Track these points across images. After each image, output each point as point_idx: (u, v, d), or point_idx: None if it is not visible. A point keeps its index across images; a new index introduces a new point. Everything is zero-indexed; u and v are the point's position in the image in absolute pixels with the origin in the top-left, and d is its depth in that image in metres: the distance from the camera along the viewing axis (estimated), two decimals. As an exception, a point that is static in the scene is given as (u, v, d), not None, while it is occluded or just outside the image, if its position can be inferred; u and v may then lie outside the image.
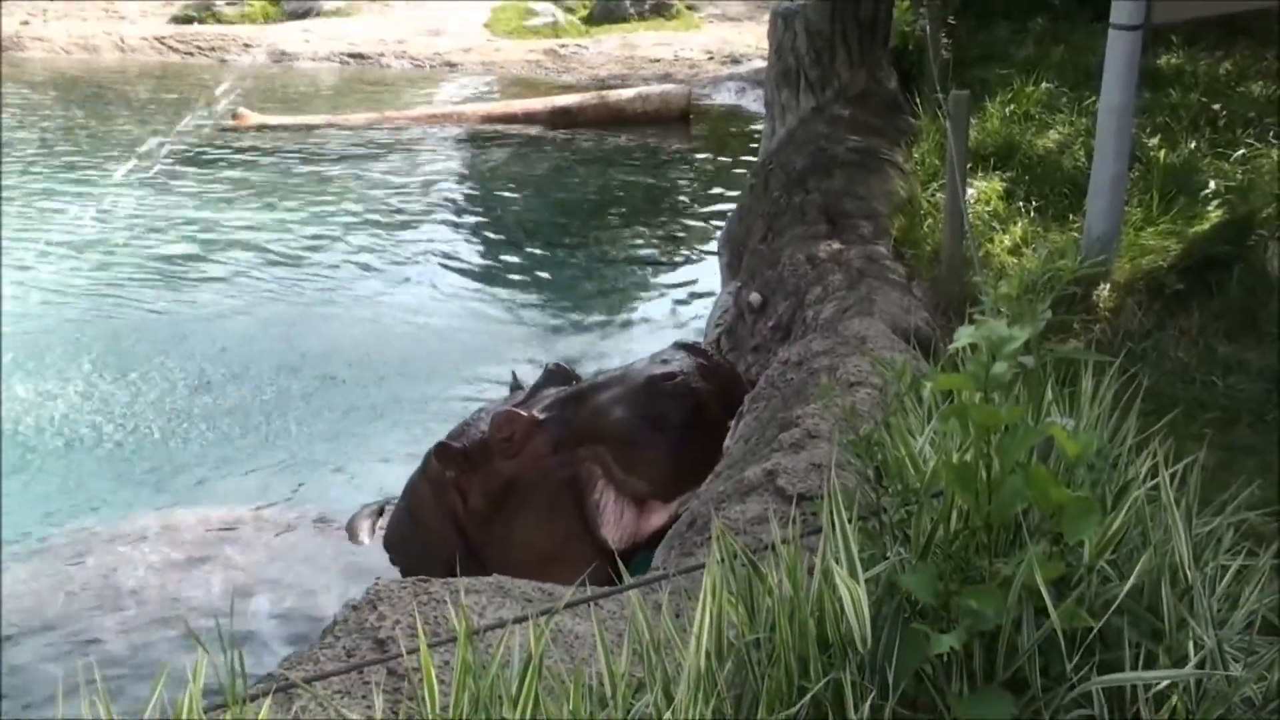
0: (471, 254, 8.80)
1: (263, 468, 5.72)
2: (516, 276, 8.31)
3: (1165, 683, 1.63)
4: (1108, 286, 4.94)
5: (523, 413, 4.32)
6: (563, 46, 15.11)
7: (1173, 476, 1.86)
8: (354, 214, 9.47)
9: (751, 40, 14.51)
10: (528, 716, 1.67)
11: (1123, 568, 1.76)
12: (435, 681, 1.71)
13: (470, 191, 10.34)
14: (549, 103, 12.11)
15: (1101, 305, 4.86)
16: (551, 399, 4.44)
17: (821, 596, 1.70)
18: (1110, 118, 5.02)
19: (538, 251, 8.76)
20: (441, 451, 4.35)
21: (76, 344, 6.94)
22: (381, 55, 15.09)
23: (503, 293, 8.01)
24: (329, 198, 9.86)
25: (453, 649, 1.80)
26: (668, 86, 12.49)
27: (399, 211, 9.57)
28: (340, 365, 6.80)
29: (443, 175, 10.67)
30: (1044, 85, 7.22)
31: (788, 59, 7.63)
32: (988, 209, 5.90)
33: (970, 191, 5.71)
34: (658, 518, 4.19)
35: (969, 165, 5.45)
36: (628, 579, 2.18)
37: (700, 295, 7.78)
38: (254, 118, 11.78)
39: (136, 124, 12.06)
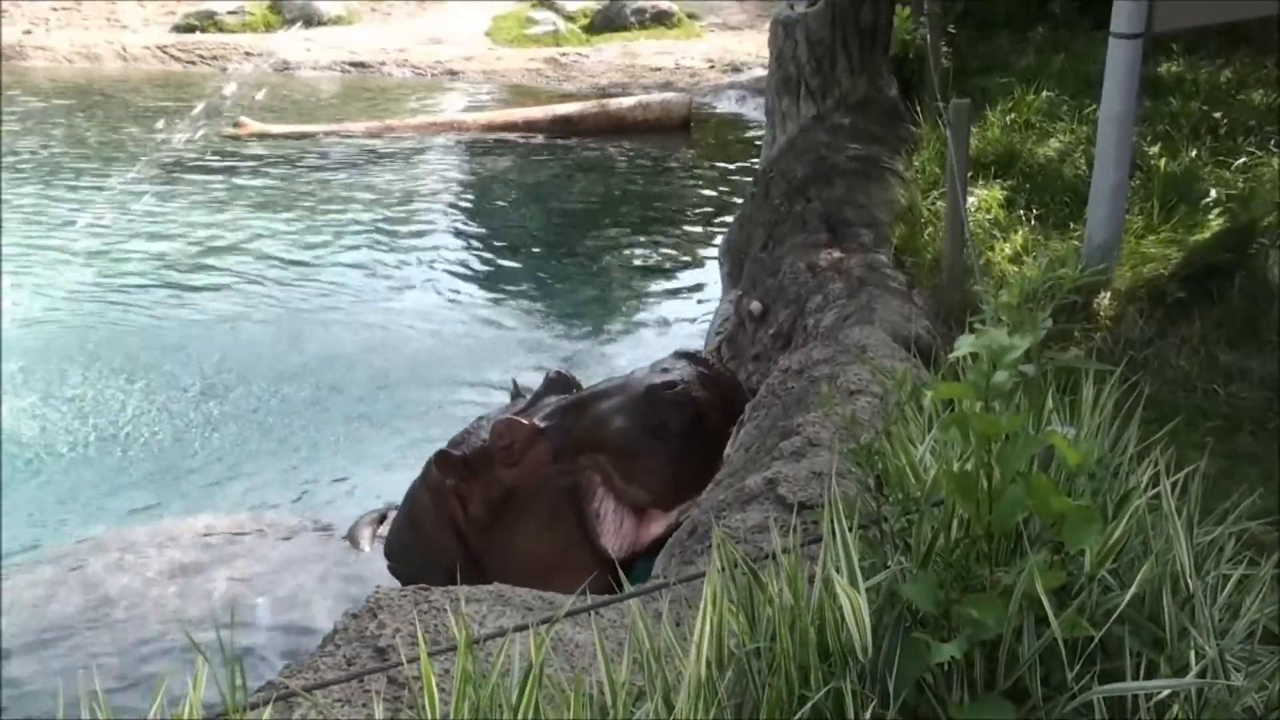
0: (472, 262, 8.80)
1: (263, 475, 5.72)
2: (517, 284, 8.32)
3: (1166, 692, 1.62)
4: (1109, 295, 4.94)
5: (523, 421, 4.32)
6: (564, 55, 15.14)
7: (1174, 485, 1.86)
8: (355, 222, 9.49)
9: (752, 48, 14.53)
10: (528, 725, 1.67)
11: (1124, 577, 1.75)
12: (435, 690, 1.70)
13: (471, 200, 10.36)
14: (550, 111, 12.13)
15: (1102, 313, 4.86)
16: (552, 407, 4.44)
17: (822, 605, 1.69)
18: (1111, 126, 5.02)
19: (539, 259, 8.77)
20: (442, 459, 4.35)
21: (78, 351, 6.95)
22: (383, 64, 15.12)
23: (504, 300, 8.01)
24: (330, 206, 9.87)
25: (453, 657, 1.80)
26: (669, 95, 12.51)
27: (400, 220, 9.58)
28: (341, 373, 6.80)
29: (444, 184, 10.69)
30: (1045, 93, 7.22)
31: (788, 67, 7.65)
32: (988, 217, 5.91)
33: (971, 200, 5.71)
34: (657, 526, 4.19)
35: (970, 173, 5.45)
36: (628, 587, 2.17)
37: (701, 303, 7.78)
38: (255, 126, 11.80)
39: (138, 133, 12.08)
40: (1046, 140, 6.77)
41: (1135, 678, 1.64)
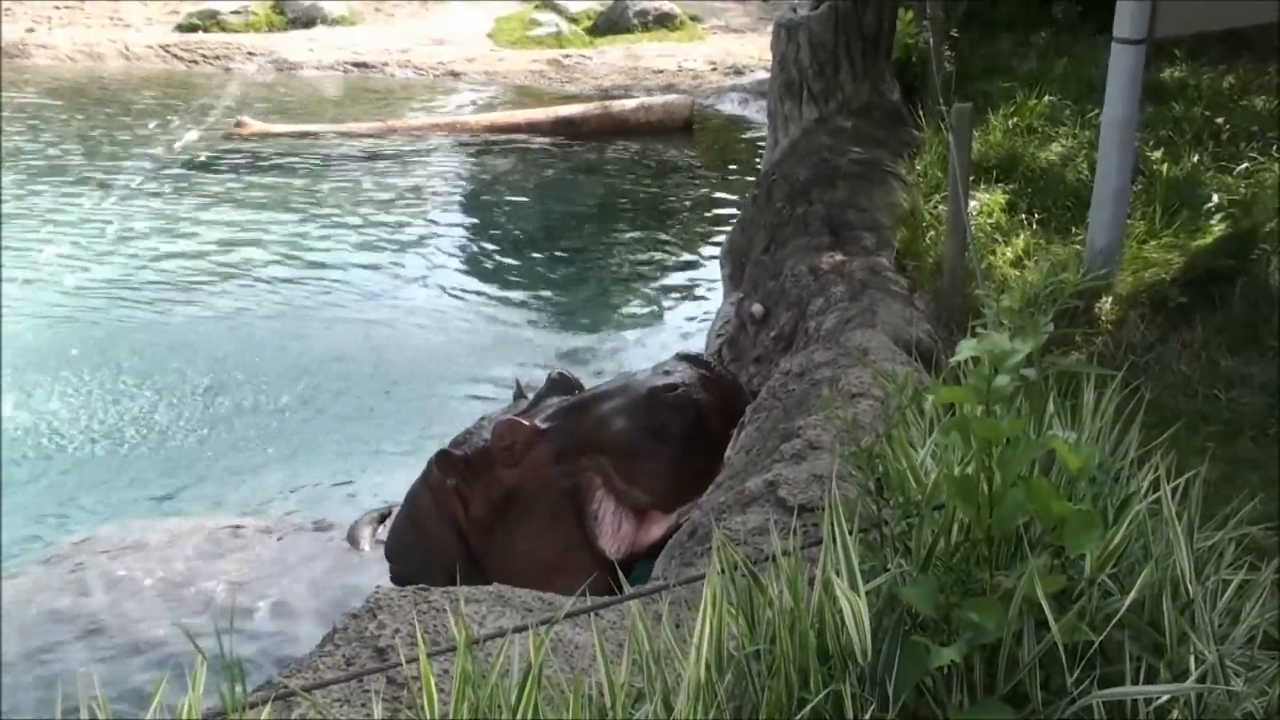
0: (474, 263, 8.81)
1: (264, 474, 5.72)
2: (519, 285, 8.32)
3: (1166, 697, 1.62)
4: (1110, 299, 4.94)
5: (525, 422, 4.33)
6: (566, 56, 15.15)
7: (1174, 490, 1.86)
8: (356, 222, 9.49)
9: (754, 51, 14.53)
10: (527, 726, 1.67)
11: (1124, 581, 1.75)
12: (435, 690, 1.71)
13: (473, 201, 10.36)
14: (552, 113, 12.13)
15: (1104, 318, 4.86)
16: (554, 408, 4.44)
17: (822, 608, 1.70)
18: (1113, 131, 5.02)
19: (540, 260, 8.77)
20: (443, 459, 4.36)
21: (79, 351, 6.95)
22: (385, 64, 15.12)
23: (506, 302, 8.01)
24: (332, 206, 9.87)
25: (452, 658, 1.80)
26: (671, 97, 12.51)
27: (401, 220, 9.58)
28: (342, 372, 6.80)
29: (446, 185, 10.69)
30: (1047, 98, 7.23)
31: (791, 71, 7.65)
32: (990, 221, 5.91)
33: (973, 204, 5.71)
34: (657, 529, 4.19)
35: (971, 177, 5.45)
36: (628, 589, 2.17)
37: (702, 305, 7.78)
38: (257, 126, 11.80)
39: (141, 131, 12.09)
40: (1048, 145, 6.77)
41: (1135, 682, 1.64)
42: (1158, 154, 6.25)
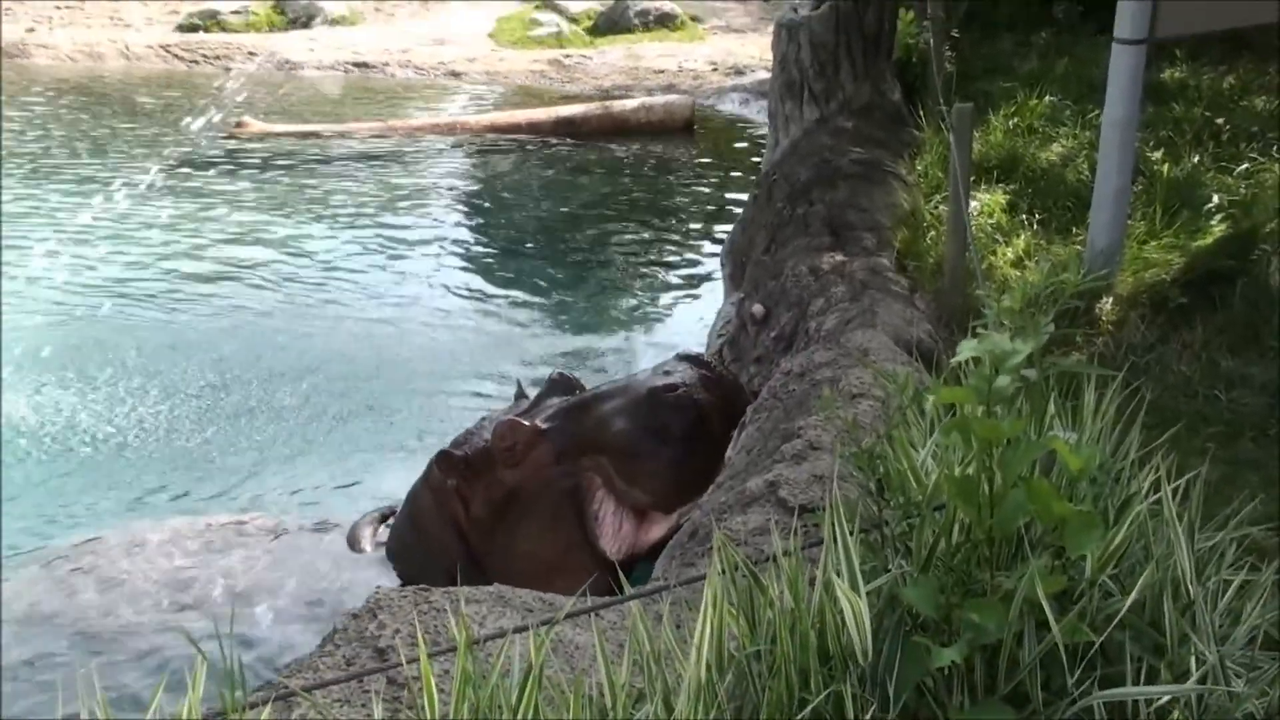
0: (475, 263, 8.81)
1: (265, 474, 5.72)
2: (520, 285, 8.32)
3: (1167, 698, 1.62)
4: (1110, 300, 4.94)
5: (525, 422, 4.32)
6: (567, 57, 15.14)
7: (1175, 491, 1.86)
8: (357, 222, 9.49)
9: (755, 51, 14.53)
10: (528, 727, 1.67)
11: (1125, 582, 1.75)
12: (435, 691, 1.71)
13: (473, 201, 10.36)
14: (553, 113, 12.12)
15: (1104, 319, 4.86)
16: (554, 409, 4.44)
17: (823, 609, 1.70)
18: (1114, 131, 5.02)
19: (541, 261, 8.77)
20: (443, 459, 4.35)
21: (79, 350, 6.95)
22: (386, 64, 15.12)
23: (506, 302, 8.01)
24: (332, 206, 9.87)
25: (453, 658, 1.80)
26: (671, 97, 12.51)
27: (401, 220, 9.58)
28: (343, 372, 6.80)
29: (446, 184, 10.69)
30: (1047, 98, 7.23)
31: (792, 71, 7.65)
32: (991, 222, 5.91)
33: (973, 204, 5.71)
34: (658, 529, 4.19)
35: (972, 178, 5.45)
36: (629, 590, 2.17)
37: (703, 306, 7.78)
38: (258, 125, 11.81)
39: (141, 131, 12.09)
40: (1049, 145, 6.77)
41: (1136, 683, 1.64)
42: (1158, 154, 6.25)
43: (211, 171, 10.70)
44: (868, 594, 1.67)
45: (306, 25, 16.54)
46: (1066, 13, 8.78)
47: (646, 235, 9.28)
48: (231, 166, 10.84)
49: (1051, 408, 1.98)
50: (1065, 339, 4.50)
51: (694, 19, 16.64)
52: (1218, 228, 5.46)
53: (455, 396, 6.56)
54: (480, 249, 9.15)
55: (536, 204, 10.02)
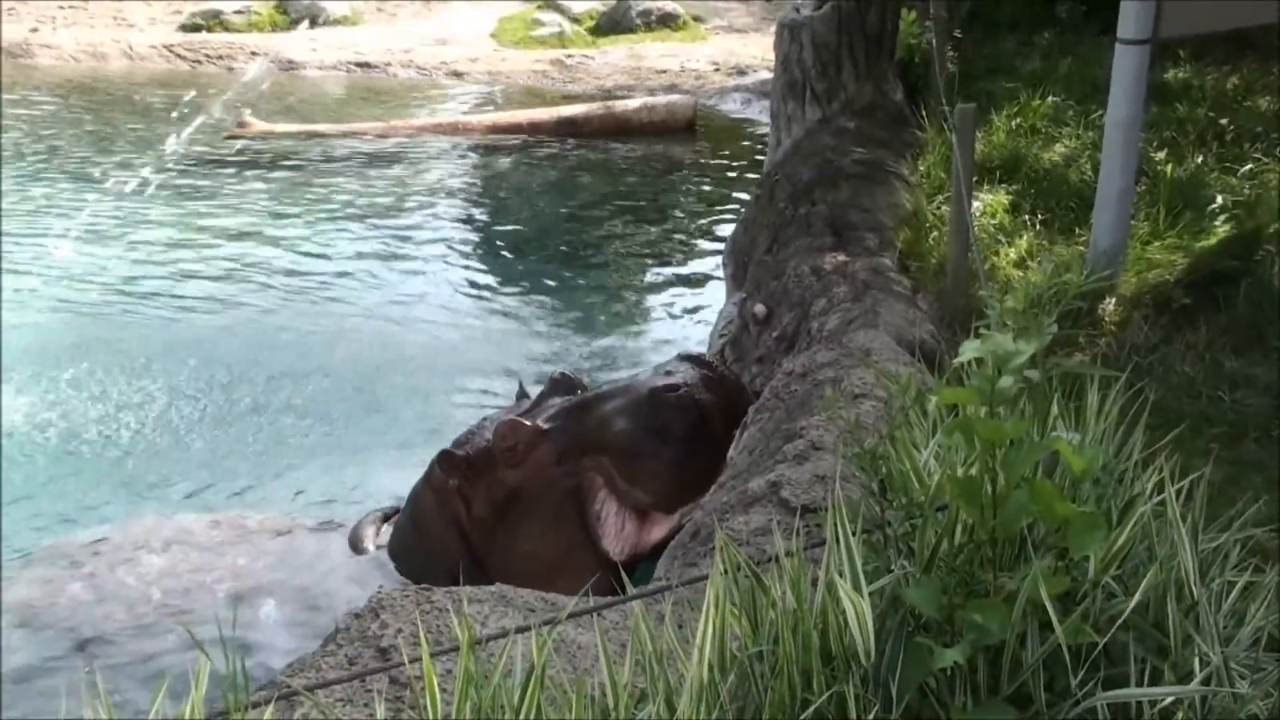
0: (477, 263, 8.81)
1: (266, 473, 5.72)
2: (522, 286, 8.32)
3: (1170, 699, 1.62)
4: (1114, 301, 4.93)
5: (527, 422, 4.32)
6: (569, 57, 15.14)
7: (1179, 492, 1.85)
8: (359, 222, 9.49)
9: (758, 52, 14.53)
10: (530, 727, 1.67)
11: (1128, 583, 1.75)
12: (437, 691, 1.71)
13: (475, 201, 10.36)
14: (555, 113, 12.12)
15: (1107, 319, 4.85)
16: (556, 409, 4.44)
17: (825, 609, 1.69)
18: (1117, 131, 5.01)
19: (542, 261, 8.77)
20: (445, 459, 4.35)
21: (81, 349, 6.95)
22: (388, 64, 15.12)
23: (508, 302, 8.01)
24: (334, 206, 9.88)
25: (455, 658, 1.80)
26: (674, 97, 12.51)
27: (403, 220, 9.58)
28: (345, 372, 6.80)
29: (447, 185, 10.69)
30: (1050, 98, 7.22)
31: (794, 71, 7.65)
32: (993, 222, 5.90)
33: (976, 204, 5.71)
34: (660, 529, 4.19)
35: (975, 178, 5.45)
36: (631, 589, 2.17)
37: (705, 306, 7.78)
38: (259, 125, 11.81)
39: (143, 131, 12.10)
40: (1052, 145, 6.77)
41: (1139, 684, 1.64)
42: (1162, 155, 6.25)
43: (212, 170, 10.70)
44: (870, 594, 1.67)
45: (309, 25, 16.54)
46: (1069, 12, 8.77)
47: (648, 235, 9.28)
48: (233, 166, 10.85)
49: (1054, 408, 1.97)
50: (1068, 340, 4.49)
51: (696, 19, 16.65)
52: (1221, 228, 5.46)
53: (457, 395, 6.57)
54: (481, 249, 9.15)
55: (538, 204, 10.02)
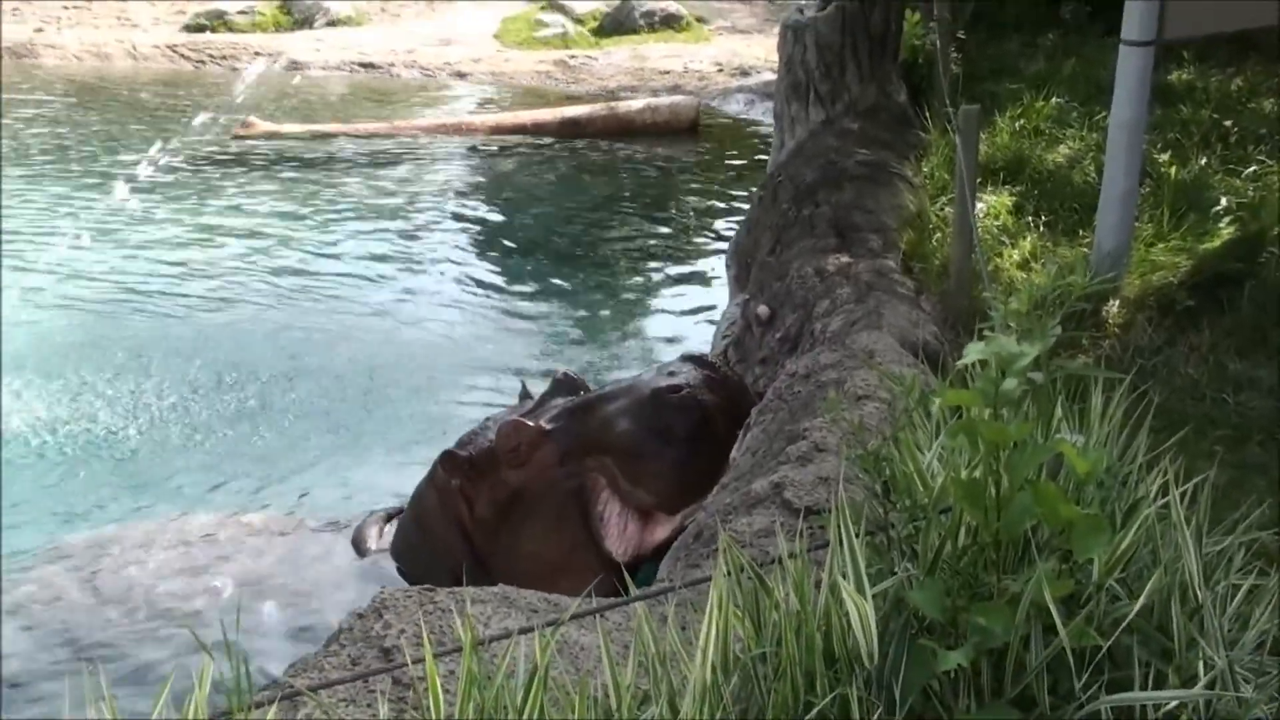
0: (480, 263, 8.81)
1: (269, 474, 5.72)
2: (525, 286, 8.33)
3: (1175, 703, 1.62)
4: (1118, 303, 4.93)
5: (529, 422, 4.32)
6: (572, 57, 15.15)
7: (1183, 494, 1.85)
8: (362, 223, 9.50)
9: (761, 53, 14.54)
10: (533, 728, 1.67)
11: (1132, 586, 1.75)
12: (440, 691, 1.70)
13: (479, 202, 10.36)
14: (558, 113, 12.13)
15: (1111, 321, 4.85)
16: (559, 409, 4.43)
17: (828, 611, 1.69)
18: (1121, 133, 5.01)
19: (546, 262, 8.78)
20: (448, 460, 4.35)
21: (85, 349, 6.96)
22: (391, 65, 15.14)
23: (511, 302, 8.02)
24: (338, 206, 9.89)
25: (458, 659, 1.80)
26: (677, 98, 12.51)
27: (407, 220, 9.59)
28: (348, 372, 6.81)
29: (451, 185, 10.70)
30: (1054, 100, 7.22)
31: (797, 72, 7.65)
32: (997, 223, 5.90)
33: (980, 206, 5.71)
34: (662, 530, 4.19)
35: (978, 179, 5.44)
36: (634, 591, 2.17)
37: (708, 307, 7.78)
38: (263, 125, 11.82)
39: (147, 131, 12.11)
40: (1056, 146, 6.76)
41: (1143, 688, 1.63)
42: (1166, 156, 6.24)
43: (216, 171, 10.71)
44: (874, 596, 1.67)
45: (313, 26, 16.56)
46: (1074, 14, 8.77)
47: (651, 236, 9.28)
48: (237, 166, 10.86)
49: (1058, 410, 1.97)
50: (1072, 342, 4.49)
51: (699, 20, 16.65)
52: (1225, 230, 5.45)
53: (460, 395, 6.57)
54: (484, 249, 9.15)
55: (541, 204, 10.02)
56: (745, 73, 14.25)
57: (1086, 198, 5.84)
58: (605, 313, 7.85)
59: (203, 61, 15.32)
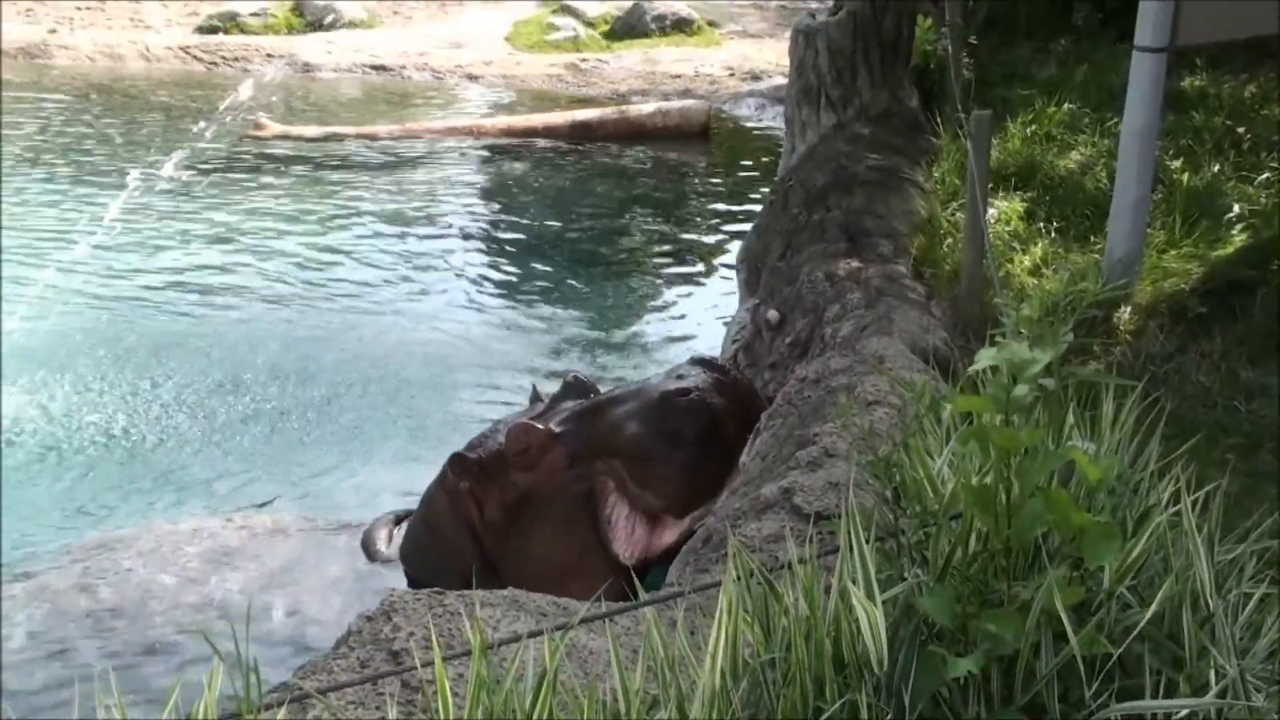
0: (491, 266, 8.83)
1: (279, 475, 5.74)
2: (535, 289, 8.34)
3: (1186, 711, 1.61)
4: (1129, 309, 4.91)
5: (539, 425, 4.32)
6: (584, 61, 15.17)
7: (1195, 502, 1.84)
8: (373, 224, 9.52)
9: (772, 57, 14.54)
10: (542, 732, 1.67)
11: (1143, 594, 1.74)
12: (449, 695, 1.70)
13: (490, 204, 10.38)
14: (569, 117, 12.15)
15: (1123, 328, 4.83)
16: (568, 412, 4.44)
17: (838, 617, 1.69)
18: (1133, 140, 4.99)
19: (557, 264, 8.79)
20: (458, 462, 4.36)
21: (94, 350, 6.98)
22: (403, 67, 15.18)
23: (522, 305, 8.03)
24: (349, 208, 9.91)
25: (467, 662, 1.80)
26: (688, 102, 12.52)
27: (418, 223, 9.61)
28: (359, 374, 6.82)
29: (462, 188, 10.72)
30: (1066, 106, 7.20)
31: (809, 76, 7.64)
32: (1008, 229, 5.89)
33: (991, 211, 5.69)
34: (671, 534, 4.18)
35: (990, 185, 5.43)
36: (643, 595, 2.17)
37: (718, 310, 7.78)
38: (275, 127, 11.86)
39: (159, 132, 12.17)
40: (1068, 153, 6.75)
41: (1154, 696, 1.63)
42: (1178, 163, 6.22)
43: (228, 173, 10.75)
44: (883, 603, 1.66)
45: (325, 28, 16.61)
46: (1086, 19, 8.75)
47: (662, 239, 9.28)
48: (248, 168, 10.89)
49: (1070, 417, 1.97)
50: (1083, 348, 4.47)
51: (711, 24, 16.66)
52: (1238, 237, 5.43)
53: (469, 399, 6.57)
54: (494, 252, 9.17)
55: (552, 207, 10.04)
56: (756, 77, 14.25)
57: (1098, 204, 5.83)
58: (615, 316, 7.85)
59: (215, 63, 15.38)
